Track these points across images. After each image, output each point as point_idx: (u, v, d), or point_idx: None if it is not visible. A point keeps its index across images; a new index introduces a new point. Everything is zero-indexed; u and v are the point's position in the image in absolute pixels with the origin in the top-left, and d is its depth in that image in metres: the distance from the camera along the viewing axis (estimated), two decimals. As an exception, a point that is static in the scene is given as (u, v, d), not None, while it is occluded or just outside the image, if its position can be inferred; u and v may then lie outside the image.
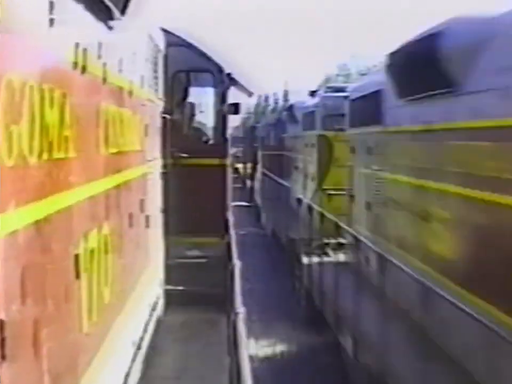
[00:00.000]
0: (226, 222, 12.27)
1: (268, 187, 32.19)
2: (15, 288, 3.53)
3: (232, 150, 19.79)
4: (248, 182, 46.99)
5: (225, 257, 11.01)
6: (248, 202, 43.43)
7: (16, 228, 3.54)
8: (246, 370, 4.07)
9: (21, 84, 3.60)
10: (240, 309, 5.86)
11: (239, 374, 4.22)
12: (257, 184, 39.38)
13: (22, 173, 3.65)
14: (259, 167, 37.95)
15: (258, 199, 37.99)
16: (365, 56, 58.57)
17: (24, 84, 3.65)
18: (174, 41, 12.34)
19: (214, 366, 9.71)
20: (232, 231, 10.83)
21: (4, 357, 3.28)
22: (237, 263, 7.87)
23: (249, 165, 47.52)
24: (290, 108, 27.74)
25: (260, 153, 38.62)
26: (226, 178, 12.83)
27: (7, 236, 3.39)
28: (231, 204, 12.44)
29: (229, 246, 10.09)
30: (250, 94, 15.27)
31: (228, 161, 12.90)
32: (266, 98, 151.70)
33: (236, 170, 50.69)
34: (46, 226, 4.06)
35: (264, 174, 34.16)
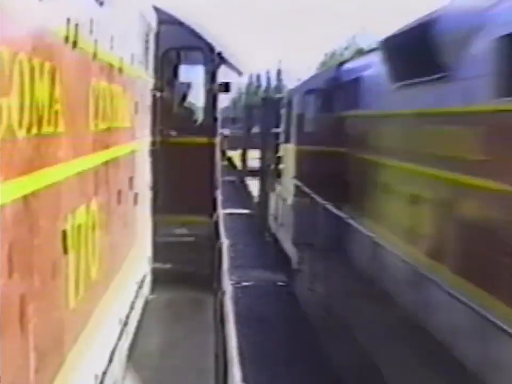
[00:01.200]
0: (214, 200, 12.25)
1: (309, 220, 16.14)
2: (2, 264, 3.51)
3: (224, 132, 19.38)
4: (252, 188, 32.98)
5: (213, 236, 11.00)
6: (247, 209, 31.29)
7: (3, 202, 3.51)
8: (233, 348, 4.07)
9: (11, 56, 3.56)
10: (228, 287, 5.86)
11: (225, 351, 4.22)
12: (278, 207, 22.13)
13: (10, 147, 3.62)
14: (286, 177, 20.44)
15: (281, 235, 21.07)
16: (375, 30, 57.11)
17: (14, 56, 3.62)
18: (165, 19, 12.26)
19: (199, 344, 9.72)
20: (220, 210, 10.81)
21: None
22: (225, 241, 7.86)
23: (250, 156, 35.91)
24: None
25: (287, 150, 20.60)
26: (215, 158, 12.78)
27: None
28: (220, 197, 12.35)
29: (216, 224, 10.07)
30: (240, 73, 15.19)
31: (217, 140, 12.85)
32: (258, 77, 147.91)
33: (228, 160, 39.97)
34: (33, 201, 4.03)
35: (299, 192, 17.75)
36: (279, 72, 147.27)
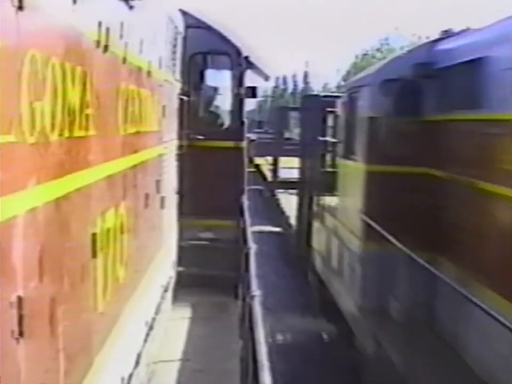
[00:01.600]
0: (241, 205, 12.26)
1: (387, 279, 10.95)
2: (33, 266, 3.53)
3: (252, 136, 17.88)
4: (285, 203, 28.13)
5: (238, 241, 11.01)
6: (278, 226, 26.77)
7: (35, 205, 3.53)
8: (263, 355, 4.07)
9: (44, 60, 3.58)
10: (256, 291, 5.86)
11: (255, 358, 4.22)
12: (330, 245, 15.48)
13: (43, 150, 3.64)
14: (347, 208, 13.67)
15: (336, 286, 14.62)
16: (408, 31, 55.32)
17: (47, 60, 3.64)
18: (193, 23, 12.31)
19: (224, 349, 9.72)
20: (247, 215, 10.81)
21: (21, 334, 3.28)
22: (252, 246, 7.87)
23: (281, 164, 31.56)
24: None
25: (349, 169, 13.64)
26: (242, 162, 12.80)
27: (26, 212, 3.39)
28: (247, 202, 12.25)
29: (243, 229, 10.07)
30: (267, 78, 15.21)
31: (244, 144, 12.86)
32: (285, 80, 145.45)
33: (256, 168, 36.50)
34: (65, 204, 4.05)
35: (370, 234, 11.48)
36: (306, 75, 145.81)
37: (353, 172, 12.89)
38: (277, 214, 28.28)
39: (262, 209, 28.78)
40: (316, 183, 18.32)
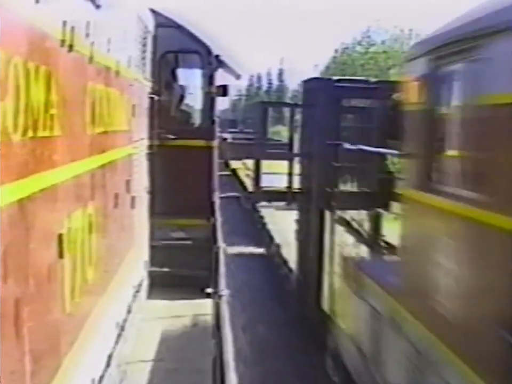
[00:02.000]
0: (212, 204, 12.24)
1: None
2: None
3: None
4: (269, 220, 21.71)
5: (210, 240, 10.99)
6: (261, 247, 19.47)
7: None
8: (229, 353, 4.06)
9: (6, 60, 3.55)
10: (224, 291, 5.85)
11: (222, 356, 4.21)
12: (373, 332, 8.24)
13: (6, 150, 3.61)
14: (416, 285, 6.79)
15: None
16: (389, 23, 53.26)
17: (9, 60, 3.61)
18: (163, 22, 12.28)
19: (197, 349, 9.71)
20: (217, 214, 10.81)
21: None
22: (222, 246, 7.87)
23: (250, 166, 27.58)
24: None
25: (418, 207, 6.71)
26: (213, 161, 12.79)
27: None
28: (218, 201, 12.20)
29: (214, 228, 10.07)
30: (238, 77, 15.20)
31: (215, 143, 12.86)
32: (259, 78, 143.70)
33: (233, 173, 32.97)
34: (29, 204, 4.02)
35: None
36: (280, 72, 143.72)
37: (463, 228, 5.74)
38: (261, 233, 21.24)
39: (241, 225, 22.26)
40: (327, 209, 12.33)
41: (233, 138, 33.47)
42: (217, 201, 12.03)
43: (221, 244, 7.97)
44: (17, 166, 3.82)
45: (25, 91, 3.88)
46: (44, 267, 4.45)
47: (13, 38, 3.77)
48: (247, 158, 29.67)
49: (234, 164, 33.38)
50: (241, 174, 31.86)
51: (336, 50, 55.60)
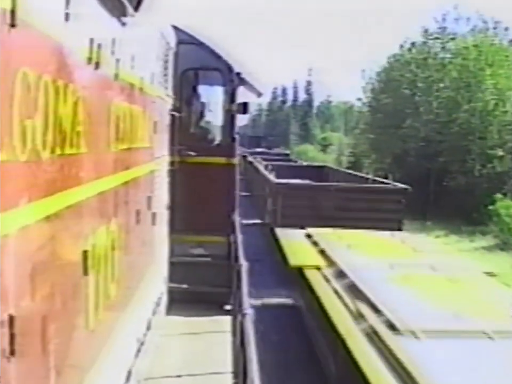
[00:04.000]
0: (232, 222, 12.24)
1: None
2: (25, 284, 3.51)
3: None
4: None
5: (229, 257, 10.98)
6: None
7: (27, 223, 3.52)
8: (255, 373, 4.05)
9: (35, 78, 3.58)
10: (248, 310, 5.84)
11: (246, 376, 4.20)
12: None
13: (35, 168, 3.64)
14: None
15: None
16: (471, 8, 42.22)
17: (39, 78, 3.63)
18: (185, 39, 12.34)
19: (216, 366, 9.69)
20: (238, 231, 10.80)
21: (12, 353, 3.26)
22: (244, 264, 7.85)
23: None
24: None
25: None
26: (234, 178, 12.80)
27: (18, 231, 3.38)
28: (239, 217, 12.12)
29: (235, 246, 10.07)
30: (259, 94, 15.22)
31: (236, 160, 12.87)
32: (284, 91, 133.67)
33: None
34: (56, 222, 4.04)
35: None
36: (308, 84, 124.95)
37: None
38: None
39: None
40: None
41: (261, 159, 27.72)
42: (237, 219, 12.02)
43: (242, 261, 7.95)
44: (46, 183, 3.84)
45: (53, 109, 3.91)
46: (69, 284, 4.47)
47: (42, 57, 3.80)
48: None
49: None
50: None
51: (402, 46, 44.85)
